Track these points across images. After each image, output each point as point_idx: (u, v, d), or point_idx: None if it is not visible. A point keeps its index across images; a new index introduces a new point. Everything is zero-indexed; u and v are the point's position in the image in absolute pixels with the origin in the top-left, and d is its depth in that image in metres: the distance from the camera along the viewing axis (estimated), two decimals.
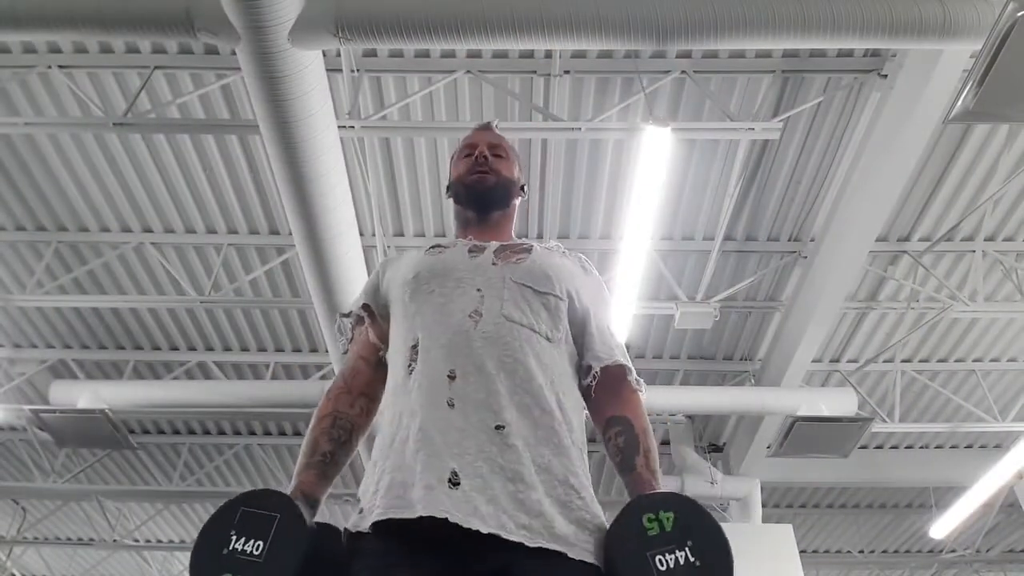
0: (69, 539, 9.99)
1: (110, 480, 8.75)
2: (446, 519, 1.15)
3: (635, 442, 1.38)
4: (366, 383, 1.51)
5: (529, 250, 1.53)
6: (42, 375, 6.86)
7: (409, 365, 1.37)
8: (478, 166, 1.66)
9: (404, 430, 1.29)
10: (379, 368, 1.52)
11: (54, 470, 8.05)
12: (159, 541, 10.07)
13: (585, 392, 1.46)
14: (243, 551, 1.17)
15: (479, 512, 1.17)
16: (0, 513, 9.31)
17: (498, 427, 1.25)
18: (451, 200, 1.72)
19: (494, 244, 1.55)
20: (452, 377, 1.30)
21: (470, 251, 1.53)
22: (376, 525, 1.21)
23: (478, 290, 1.42)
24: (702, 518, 1.19)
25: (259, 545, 1.17)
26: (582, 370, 1.48)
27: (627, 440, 1.39)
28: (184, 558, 10.53)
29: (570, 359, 1.46)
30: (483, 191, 1.65)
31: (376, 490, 1.26)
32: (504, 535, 1.15)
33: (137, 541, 9.53)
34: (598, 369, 1.45)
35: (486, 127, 1.80)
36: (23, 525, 9.36)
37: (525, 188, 1.76)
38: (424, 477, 1.21)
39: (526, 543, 1.16)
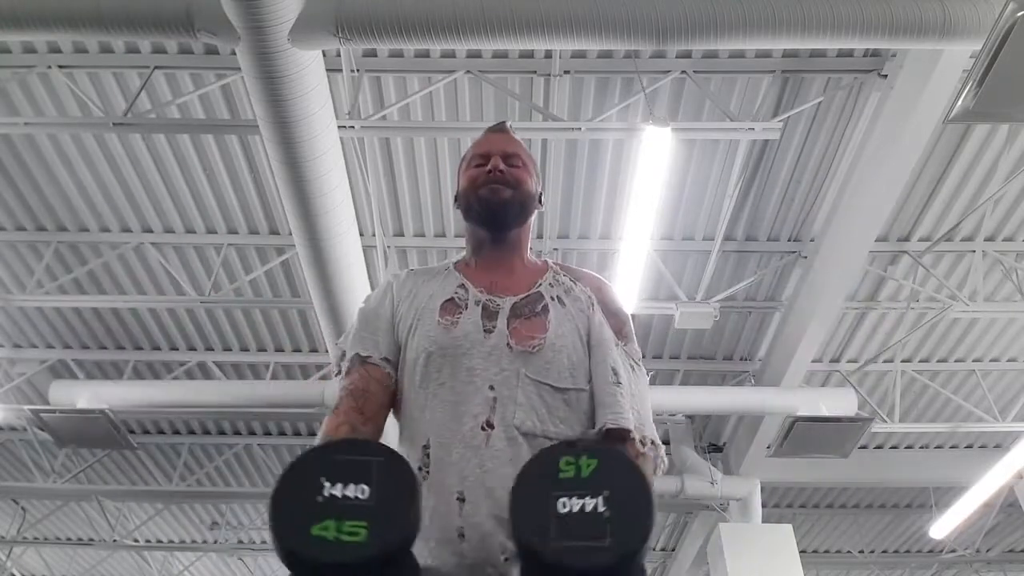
0: (69, 539, 9.99)
1: (110, 480, 8.75)
2: None
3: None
4: (378, 408, 1.37)
5: (545, 313, 1.42)
6: (42, 375, 6.85)
7: (420, 469, 1.30)
8: (492, 178, 1.49)
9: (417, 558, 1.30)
10: (390, 394, 1.41)
11: (54, 470, 8.05)
12: (159, 541, 10.06)
13: None
14: (344, 496, 0.96)
15: None
16: (0, 513, 9.31)
17: (507, 559, 1.21)
18: (460, 212, 1.57)
19: (508, 303, 1.43)
20: (462, 500, 1.25)
21: (483, 315, 1.41)
22: None
23: (491, 388, 1.33)
24: (630, 475, 1.01)
25: (363, 489, 0.97)
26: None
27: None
28: (184, 558, 10.52)
29: None
30: (498, 206, 1.49)
31: None
32: None
33: (137, 541, 9.52)
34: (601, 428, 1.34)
35: (500, 129, 1.61)
36: (23, 525, 9.37)
37: (543, 198, 1.60)
38: None
39: None
